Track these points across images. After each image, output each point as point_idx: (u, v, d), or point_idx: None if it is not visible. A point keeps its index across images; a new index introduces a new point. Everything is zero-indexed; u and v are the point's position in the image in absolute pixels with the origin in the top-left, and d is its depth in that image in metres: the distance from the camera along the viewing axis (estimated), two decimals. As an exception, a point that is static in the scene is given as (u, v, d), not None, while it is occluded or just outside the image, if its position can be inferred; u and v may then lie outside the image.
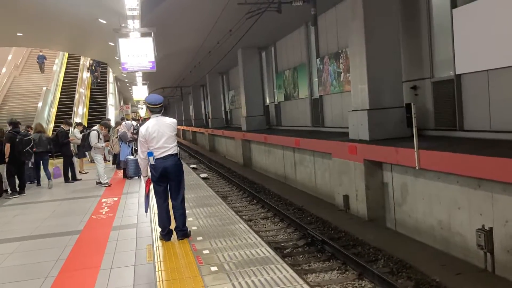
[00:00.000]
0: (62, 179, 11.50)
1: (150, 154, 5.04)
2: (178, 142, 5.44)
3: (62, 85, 24.88)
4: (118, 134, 11.67)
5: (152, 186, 5.25)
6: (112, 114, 24.10)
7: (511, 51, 6.45)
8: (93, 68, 25.96)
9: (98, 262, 4.69)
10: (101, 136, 10.45)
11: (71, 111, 21.24)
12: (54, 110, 21.90)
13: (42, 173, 11.21)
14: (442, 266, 5.95)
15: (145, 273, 4.27)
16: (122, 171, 11.49)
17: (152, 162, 5.05)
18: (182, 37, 15.78)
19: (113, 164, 13.88)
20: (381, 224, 8.23)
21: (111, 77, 27.80)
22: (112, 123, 17.47)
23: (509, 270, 5.37)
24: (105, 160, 12.83)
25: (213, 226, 5.77)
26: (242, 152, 18.69)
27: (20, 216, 7.58)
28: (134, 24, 11.95)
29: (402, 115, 8.23)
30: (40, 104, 20.33)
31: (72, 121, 16.91)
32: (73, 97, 22.86)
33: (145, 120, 26.76)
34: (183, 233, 5.22)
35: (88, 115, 22.06)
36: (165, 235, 5.23)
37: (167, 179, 5.13)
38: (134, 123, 14.74)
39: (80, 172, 12.83)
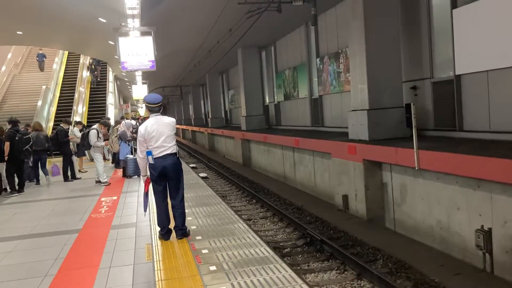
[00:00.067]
0: (61, 177, 11.49)
1: (149, 153, 5.04)
2: (177, 141, 5.44)
3: (62, 84, 24.86)
4: (118, 133, 11.67)
5: (151, 186, 5.25)
6: (111, 113, 24.09)
7: (511, 52, 6.45)
8: (93, 67, 25.93)
9: (97, 261, 4.69)
10: (100, 135, 10.45)
11: (71, 109, 21.23)
12: (53, 109, 21.90)
13: (41, 172, 11.22)
14: (441, 266, 5.95)
15: (144, 272, 4.27)
16: (121, 170, 11.49)
17: (151, 162, 5.04)
18: (182, 36, 15.78)
19: (112, 163, 13.88)
20: (380, 224, 8.23)
21: (110, 76, 27.79)
22: (112, 122, 17.46)
23: (508, 271, 5.37)
24: (104, 159, 12.84)
25: (212, 226, 5.77)
26: (242, 151, 18.69)
27: (19, 215, 7.58)
28: (134, 23, 11.94)
29: (401, 115, 8.24)
30: (39, 103, 20.33)
31: (71, 120, 16.91)
32: (73, 95, 22.85)
33: (144, 119, 26.72)
34: (182, 232, 5.22)
35: (88, 114, 22.05)
36: (164, 235, 5.23)
37: (166, 178, 5.13)
38: (133, 122, 14.71)
39: (79, 171, 12.83)
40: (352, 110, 9.32)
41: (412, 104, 6.90)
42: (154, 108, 5.17)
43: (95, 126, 10.69)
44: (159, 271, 4.22)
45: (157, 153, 5.02)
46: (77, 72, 25.77)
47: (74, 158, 12.65)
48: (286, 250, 7.15)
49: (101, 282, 4.08)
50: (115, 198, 8.40)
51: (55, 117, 20.90)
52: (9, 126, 9.98)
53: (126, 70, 14.40)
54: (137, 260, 4.63)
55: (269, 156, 15.54)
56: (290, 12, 11.11)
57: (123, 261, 4.65)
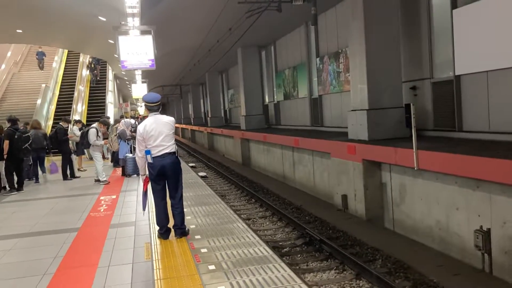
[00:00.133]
0: (59, 175, 11.48)
1: (147, 152, 5.04)
2: (176, 140, 5.44)
3: (61, 82, 24.83)
4: (117, 132, 11.66)
5: (150, 185, 5.24)
6: (111, 112, 24.06)
7: (511, 52, 6.45)
8: (93, 66, 25.89)
9: (96, 259, 4.69)
10: (99, 134, 10.44)
11: (70, 108, 21.20)
12: (53, 107, 21.87)
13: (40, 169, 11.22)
14: (439, 266, 5.96)
15: (143, 271, 4.26)
16: (120, 168, 11.48)
17: (150, 161, 5.04)
18: (182, 35, 15.77)
19: (111, 161, 13.87)
20: (379, 224, 8.24)
21: (110, 75, 27.76)
22: (111, 121, 17.44)
23: (506, 271, 5.38)
24: (103, 158, 12.82)
25: (212, 225, 5.77)
26: (241, 151, 18.69)
27: (18, 213, 7.57)
28: (134, 22, 11.94)
29: (401, 115, 8.24)
30: (39, 101, 20.31)
31: (71, 118, 16.90)
32: (72, 94, 22.82)
33: (144, 118, 26.70)
34: (181, 231, 5.22)
35: (87, 113, 22.02)
36: (163, 234, 5.23)
37: (165, 178, 5.13)
38: (133, 121, 14.70)
39: (78, 169, 12.82)
40: (352, 110, 9.32)
41: (411, 104, 6.90)
42: (153, 107, 5.16)
43: (95, 125, 10.68)
44: (158, 270, 4.22)
45: (156, 152, 5.02)
46: (76, 71, 25.74)
47: (73, 156, 12.64)
48: (285, 249, 7.15)
49: (100, 281, 4.07)
50: (114, 197, 8.39)
51: (55, 115, 20.88)
52: (8, 125, 9.96)
53: (126, 69, 14.41)
54: (136, 259, 4.63)
55: (269, 155, 15.54)
56: (290, 12, 11.11)
57: (122, 260, 4.64)
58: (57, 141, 11.59)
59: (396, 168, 7.74)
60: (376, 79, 8.69)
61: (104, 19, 13.52)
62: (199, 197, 7.82)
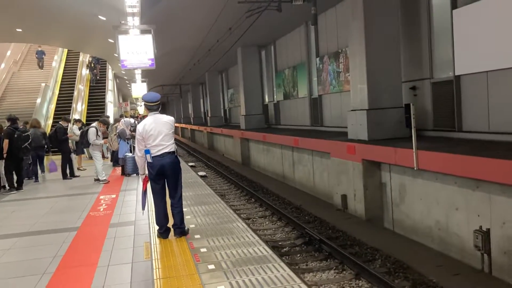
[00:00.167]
0: (58, 174, 11.48)
1: (147, 151, 5.03)
2: (176, 140, 5.44)
3: (61, 82, 24.81)
4: (117, 131, 11.66)
5: (149, 184, 5.24)
6: (111, 111, 24.05)
7: (510, 52, 6.45)
8: (92, 65, 25.87)
9: (95, 259, 4.69)
10: (99, 133, 10.44)
11: (70, 107, 21.18)
12: (52, 106, 21.85)
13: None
14: (439, 266, 5.96)
15: (142, 271, 4.26)
16: (120, 168, 11.48)
17: (149, 160, 5.04)
18: (182, 35, 15.76)
19: (111, 161, 13.87)
20: (379, 224, 8.24)
21: (110, 74, 27.74)
22: (111, 120, 17.44)
23: (506, 272, 5.38)
24: (103, 157, 12.81)
25: (211, 224, 5.77)
26: (241, 150, 18.69)
27: (17, 212, 7.57)
28: (134, 21, 11.94)
29: (401, 115, 8.23)
30: (39, 100, 20.28)
31: (70, 117, 16.88)
32: (72, 93, 22.81)
33: (143, 117, 26.69)
34: (181, 230, 5.22)
35: (87, 112, 22.00)
36: (163, 233, 5.23)
37: (164, 177, 5.13)
38: (132, 120, 14.70)
39: (78, 168, 12.82)
40: (352, 110, 9.32)
41: (411, 104, 6.90)
42: (153, 106, 5.16)
43: (94, 124, 10.68)
44: (157, 269, 4.22)
45: (155, 151, 5.01)
46: (76, 70, 25.72)
47: (73, 156, 12.63)
48: (284, 249, 7.15)
49: (99, 280, 4.07)
50: (113, 196, 8.39)
51: (54, 114, 20.85)
52: (8, 124, 9.96)
53: (125, 69, 14.40)
54: (135, 259, 4.63)
55: (268, 155, 15.54)
56: (290, 12, 11.11)
57: (122, 259, 4.64)
58: (57, 140, 11.58)
59: (395, 168, 7.74)
60: (376, 79, 8.69)
61: (104, 18, 13.51)
62: (199, 196, 7.82)
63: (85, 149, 13.35)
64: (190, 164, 18.90)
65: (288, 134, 13.00)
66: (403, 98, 8.93)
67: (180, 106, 43.64)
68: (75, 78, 24.62)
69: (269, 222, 9.06)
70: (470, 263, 5.97)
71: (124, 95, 47.08)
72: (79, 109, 21.56)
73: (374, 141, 8.32)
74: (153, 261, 4.46)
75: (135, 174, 10.73)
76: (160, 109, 5.23)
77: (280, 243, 7.48)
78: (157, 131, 5.01)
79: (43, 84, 21.89)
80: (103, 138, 10.92)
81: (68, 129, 12.87)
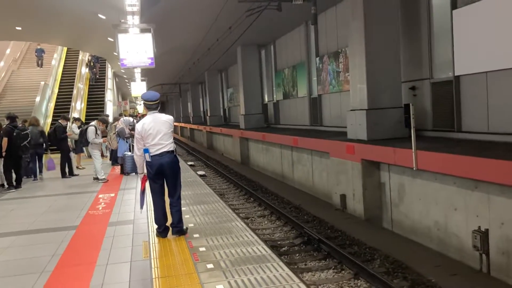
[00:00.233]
0: (58, 173, 11.47)
1: (146, 151, 5.03)
2: (175, 139, 5.43)
3: (61, 80, 24.77)
4: (116, 130, 11.65)
5: (148, 183, 5.24)
6: (110, 110, 24.03)
7: (510, 53, 6.46)
8: (92, 64, 25.84)
9: (94, 258, 4.68)
10: (98, 132, 10.43)
11: (69, 106, 21.16)
12: (52, 105, 21.81)
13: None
14: (437, 266, 5.97)
15: (141, 270, 4.26)
16: (119, 167, 11.47)
17: (148, 159, 5.03)
18: (182, 34, 15.75)
19: (110, 160, 13.86)
20: (377, 224, 8.24)
21: (109, 73, 27.71)
22: (110, 119, 17.42)
23: (504, 272, 5.39)
24: (102, 156, 12.81)
25: (210, 224, 5.77)
26: (240, 150, 18.69)
27: (16, 211, 7.56)
28: (133, 20, 11.92)
29: (400, 115, 8.21)
30: (38, 99, 20.25)
31: (70, 116, 16.86)
32: (71, 92, 22.78)
33: (143, 116, 26.66)
34: (178, 229, 5.22)
35: (86, 111, 21.99)
36: (162, 232, 5.23)
37: (163, 176, 5.12)
38: (131, 119, 14.68)
39: (77, 167, 12.81)
40: (351, 110, 9.32)
41: (411, 104, 6.90)
42: (152, 105, 5.15)
43: (93, 122, 10.67)
44: (156, 268, 4.22)
45: (154, 150, 5.01)
46: (76, 69, 25.69)
47: (72, 154, 12.62)
48: (283, 248, 7.15)
49: (98, 279, 4.07)
50: (112, 195, 8.39)
51: (54, 113, 20.82)
52: (7, 122, 9.95)
53: (125, 67, 14.37)
54: (134, 258, 4.63)
55: (268, 154, 15.54)
56: (290, 11, 11.10)
57: (120, 258, 4.64)
58: (56, 139, 11.57)
59: (395, 168, 7.74)
60: (375, 79, 8.69)
61: (104, 17, 13.50)
62: (198, 195, 7.82)
63: (84, 148, 13.32)
64: (189, 163, 18.89)
65: (288, 133, 13.00)
66: (403, 98, 8.93)
67: (180, 105, 43.62)
68: (75, 76, 24.60)
69: (268, 221, 9.06)
70: (469, 263, 5.98)
71: (123, 94, 47.04)
72: (78, 107, 21.54)
73: (373, 141, 8.32)
74: (152, 260, 4.46)
75: (134, 173, 10.72)
76: (159, 108, 5.22)
77: (279, 242, 7.49)
78: (156, 130, 5.01)
79: (42, 83, 21.85)
80: (102, 137, 10.91)
81: (67, 127, 12.85)
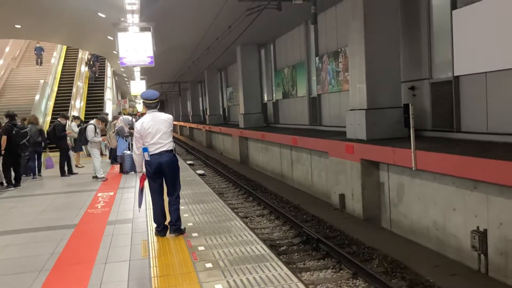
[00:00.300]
0: (57, 172, 11.47)
1: (145, 149, 5.03)
2: (174, 138, 5.43)
3: (60, 78, 24.75)
4: (115, 128, 11.64)
5: (147, 182, 5.24)
6: (109, 108, 24.02)
7: (510, 53, 6.46)
8: (91, 62, 25.81)
9: (93, 256, 4.68)
10: (98, 130, 10.43)
11: (69, 104, 21.14)
12: (51, 103, 21.79)
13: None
14: (436, 267, 5.97)
15: (139, 269, 4.26)
16: (118, 165, 11.47)
17: (147, 158, 5.03)
18: (181, 32, 15.74)
19: (109, 158, 13.86)
20: (376, 224, 8.25)
21: (109, 71, 27.69)
22: (110, 117, 17.41)
23: (502, 272, 5.40)
24: (101, 154, 12.80)
25: (209, 223, 5.77)
26: (239, 149, 18.68)
27: (15, 209, 7.56)
28: (133, 19, 11.90)
29: (399, 115, 8.22)
30: (37, 97, 20.23)
31: (69, 114, 16.85)
32: (71, 90, 22.76)
33: (142, 115, 26.61)
34: (176, 228, 5.22)
35: (86, 109, 21.97)
36: (161, 231, 5.23)
37: (162, 175, 5.12)
38: (130, 118, 14.68)
39: (76, 166, 12.80)
40: (351, 110, 9.33)
41: (410, 104, 6.91)
42: (151, 104, 5.15)
43: (93, 121, 10.67)
44: (155, 267, 4.22)
45: (153, 149, 5.01)
46: (75, 67, 25.66)
47: (71, 153, 12.61)
48: (282, 248, 7.16)
49: (96, 278, 4.07)
50: (111, 193, 8.39)
51: (53, 111, 20.80)
52: (6, 120, 9.94)
53: (124, 66, 14.38)
54: (133, 256, 4.63)
55: (267, 154, 15.54)
56: (290, 10, 11.10)
57: (119, 257, 4.64)
58: (55, 137, 11.56)
59: (394, 168, 7.75)
60: (375, 79, 8.69)
61: (104, 16, 13.48)
62: (197, 195, 7.82)
63: (83, 147, 13.31)
64: (189, 162, 18.89)
65: (287, 133, 13.00)
66: (402, 98, 8.93)
67: (179, 104, 43.59)
68: (74, 75, 24.57)
69: (267, 221, 9.06)
70: (467, 264, 5.98)
71: (123, 92, 46.99)
72: (77, 106, 21.52)
73: (372, 141, 8.33)
74: (151, 259, 4.46)
75: (133, 172, 10.72)
76: (158, 107, 5.22)
77: (277, 242, 7.49)
78: (155, 129, 5.00)
79: (41, 81, 21.83)
80: (102, 135, 10.90)
81: (67, 126, 12.84)
